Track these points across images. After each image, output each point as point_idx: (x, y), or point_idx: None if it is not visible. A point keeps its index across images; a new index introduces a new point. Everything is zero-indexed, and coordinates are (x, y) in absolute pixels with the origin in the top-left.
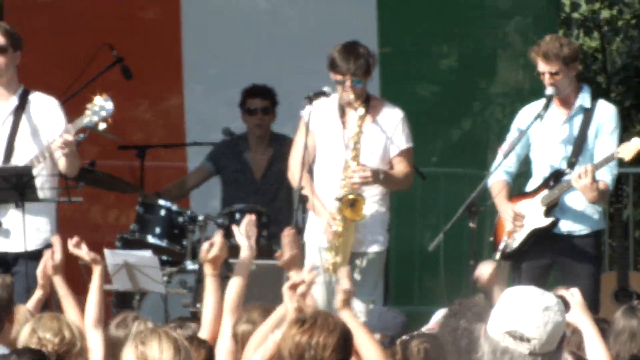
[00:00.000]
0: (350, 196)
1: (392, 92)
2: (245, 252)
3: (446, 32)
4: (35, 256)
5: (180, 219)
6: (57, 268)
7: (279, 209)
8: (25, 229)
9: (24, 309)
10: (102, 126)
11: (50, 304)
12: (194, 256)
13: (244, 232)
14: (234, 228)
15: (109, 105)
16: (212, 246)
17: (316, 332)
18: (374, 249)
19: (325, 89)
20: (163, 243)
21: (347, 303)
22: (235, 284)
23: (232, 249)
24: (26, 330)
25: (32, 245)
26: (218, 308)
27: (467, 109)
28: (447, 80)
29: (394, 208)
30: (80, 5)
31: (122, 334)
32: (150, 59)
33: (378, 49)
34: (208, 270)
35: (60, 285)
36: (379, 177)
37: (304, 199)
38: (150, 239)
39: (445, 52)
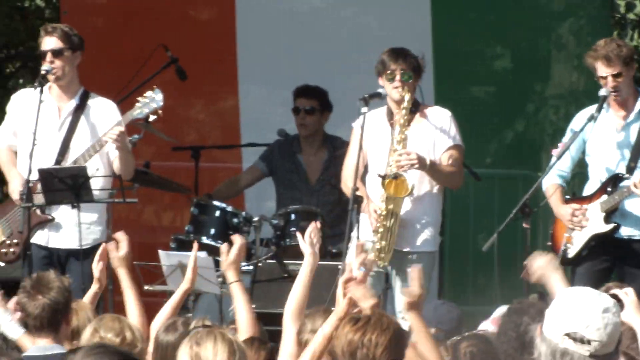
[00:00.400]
0: (394, 174)
1: (446, 94)
2: (309, 258)
3: (500, 34)
4: (87, 254)
5: (235, 220)
6: (122, 260)
7: (333, 210)
8: (80, 228)
9: (86, 308)
10: (152, 118)
11: (105, 303)
12: (249, 257)
13: (309, 239)
14: (298, 235)
15: (159, 97)
16: (231, 249)
17: (369, 330)
18: (424, 248)
19: (381, 90)
20: (218, 244)
21: (414, 306)
22: (297, 290)
23: (288, 250)
24: (88, 330)
25: (86, 242)
26: (249, 313)
27: (521, 110)
28: (501, 82)
29: (449, 208)
30: (136, 6)
31: (172, 338)
32: (205, 60)
33: (432, 51)
34: (230, 277)
35: (124, 278)
36: (425, 163)
37: (358, 200)
38: (205, 239)
39: (499, 53)
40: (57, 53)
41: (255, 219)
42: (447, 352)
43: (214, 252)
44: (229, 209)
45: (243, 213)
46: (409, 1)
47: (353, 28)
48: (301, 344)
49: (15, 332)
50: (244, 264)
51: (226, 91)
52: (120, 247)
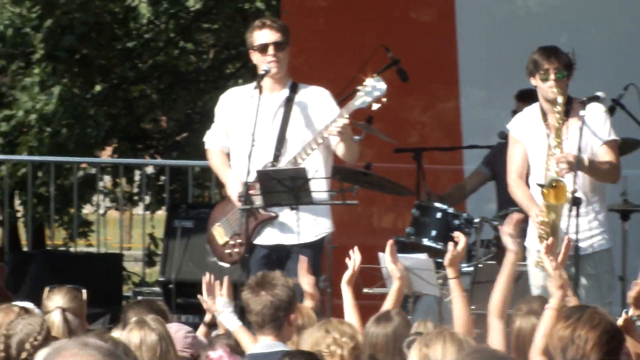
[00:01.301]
0: (553, 181)
1: None
2: (511, 254)
3: None
4: (310, 247)
5: (456, 222)
6: (352, 278)
7: None
8: (299, 229)
9: (309, 310)
10: (375, 106)
11: (323, 305)
12: (469, 258)
13: (510, 232)
14: (500, 228)
15: (381, 85)
16: (454, 246)
17: (579, 326)
18: (599, 247)
19: (599, 93)
20: (439, 245)
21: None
22: (501, 286)
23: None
24: (318, 331)
25: (309, 237)
26: (466, 310)
27: None
28: None
29: None
30: (357, 7)
31: (382, 329)
32: (426, 62)
33: None
34: (450, 273)
35: (348, 296)
36: (583, 163)
37: (577, 202)
38: (426, 241)
39: None
40: (279, 46)
41: (476, 220)
42: None
43: (434, 253)
44: (450, 210)
45: (464, 214)
46: (629, 4)
47: (572, 32)
48: (516, 331)
49: (233, 324)
50: (464, 265)
51: (447, 93)
52: (354, 264)
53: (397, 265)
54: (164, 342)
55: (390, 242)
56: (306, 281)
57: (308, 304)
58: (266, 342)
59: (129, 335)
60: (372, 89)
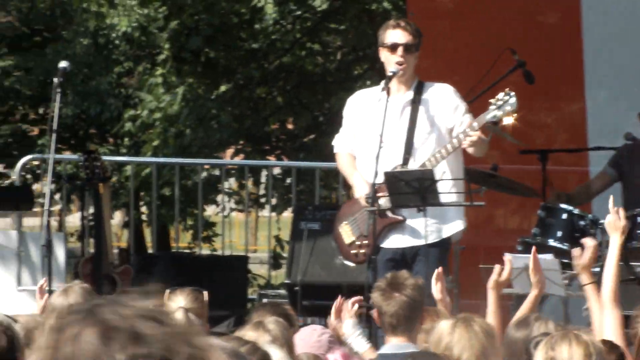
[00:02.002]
0: None
1: None
2: (617, 236)
3: None
4: (437, 246)
5: (582, 223)
6: (500, 285)
7: None
8: (426, 231)
9: (442, 311)
10: (507, 120)
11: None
12: (596, 259)
13: (617, 216)
14: (608, 217)
15: (513, 100)
16: (584, 252)
17: None
18: None
19: None
20: (564, 246)
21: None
22: (610, 272)
23: (634, 252)
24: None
25: (436, 238)
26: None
27: None
28: None
29: None
30: (483, 10)
31: (521, 334)
32: (551, 64)
33: None
34: (584, 279)
35: (491, 300)
36: None
37: None
38: (552, 242)
39: None
40: (408, 48)
41: (602, 221)
42: None
43: (560, 254)
44: (576, 211)
45: (589, 215)
46: None
47: None
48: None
49: (361, 346)
50: None
51: (572, 94)
52: (505, 270)
53: (539, 275)
54: (278, 344)
55: (534, 250)
56: (438, 288)
57: (441, 308)
58: (397, 343)
59: (243, 335)
60: (503, 103)
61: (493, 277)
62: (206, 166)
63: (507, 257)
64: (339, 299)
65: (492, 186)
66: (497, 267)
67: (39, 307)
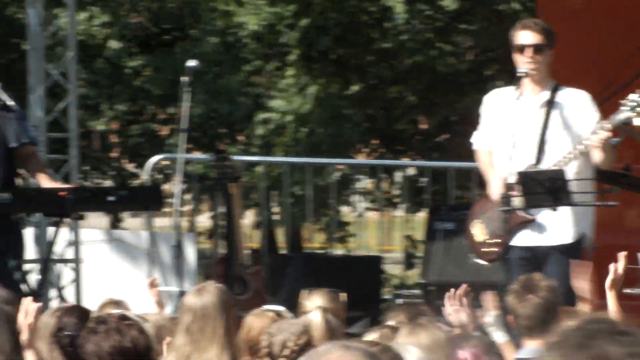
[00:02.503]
0: None
1: None
2: None
3: None
4: (569, 249)
5: None
6: (613, 283)
7: None
8: (557, 231)
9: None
10: (637, 121)
11: None
12: None
13: None
14: None
15: None
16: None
17: None
18: None
19: None
20: None
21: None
22: None
23: None
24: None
25: (566, 239)
26: None
27: None
28: None
29: None
30: (614, 9)
31: None
32: None
33: None
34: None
35: (610, 301)
36: None
37: None
38: None
39: None
40: (537, 49)
41: None
42: None
43: None
44: None
45: None
46: None
47: None
48: None
49: (500, 337)
50: None
51: None
52: (614, 268)
53: None
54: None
55: None
56: (581, 287)
57: (584, 308)
58: (533, 347)
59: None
60: (635, 104)
61: (610, 276)
62: (339, 166)
63: (622, 254)
64: (463, 286)
65: (624, 186)
66: (612, 266)
67: (154, 303)
